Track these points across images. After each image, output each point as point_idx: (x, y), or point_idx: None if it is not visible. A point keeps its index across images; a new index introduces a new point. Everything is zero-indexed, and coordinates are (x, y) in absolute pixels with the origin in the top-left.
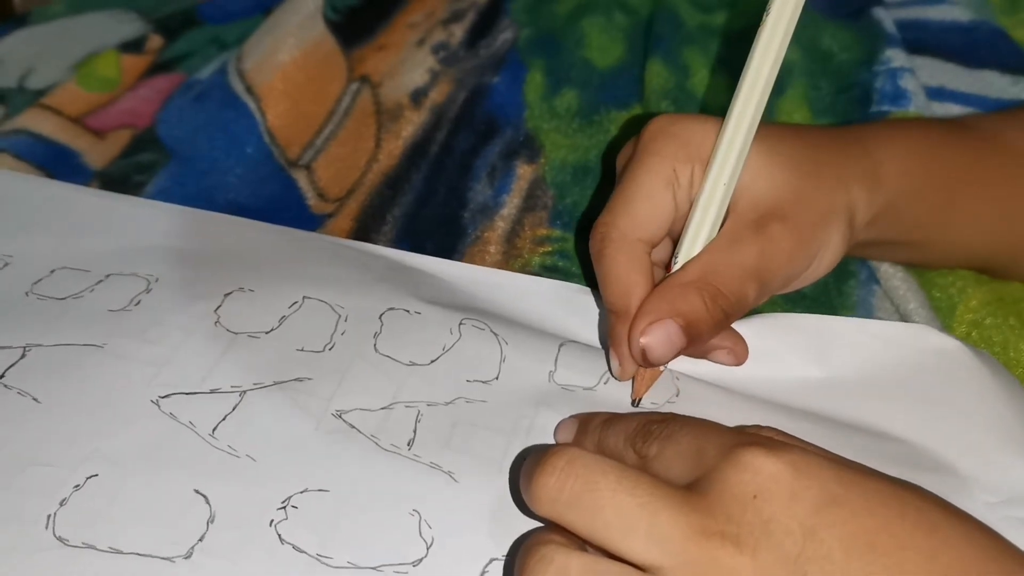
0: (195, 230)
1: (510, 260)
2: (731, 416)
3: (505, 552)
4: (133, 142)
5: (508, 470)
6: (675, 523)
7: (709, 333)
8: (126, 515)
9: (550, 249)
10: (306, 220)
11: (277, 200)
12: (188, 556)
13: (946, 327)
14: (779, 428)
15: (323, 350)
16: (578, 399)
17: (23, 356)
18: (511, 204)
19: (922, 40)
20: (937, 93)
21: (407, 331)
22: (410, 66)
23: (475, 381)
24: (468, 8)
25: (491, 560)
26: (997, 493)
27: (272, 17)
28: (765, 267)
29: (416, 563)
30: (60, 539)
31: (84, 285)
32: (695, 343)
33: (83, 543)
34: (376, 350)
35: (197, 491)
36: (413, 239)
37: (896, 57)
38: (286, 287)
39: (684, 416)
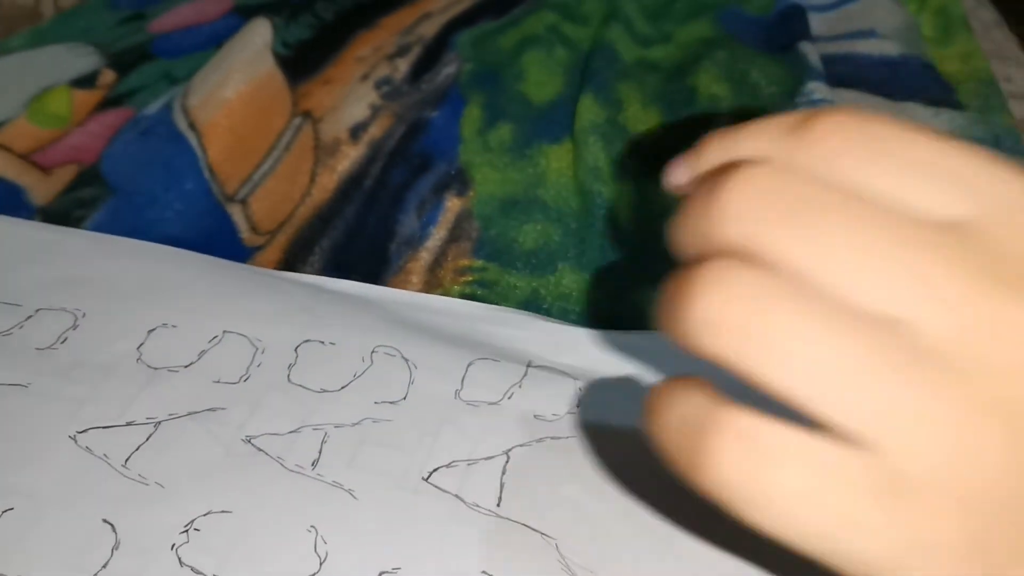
0: (126, 261)
1: (431, 289)
2: (631, 419)
3: (397, 565)
4: (77, 178)
5: (406, 487)
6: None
7: None
8: (37, 546)
9: (470, 279)
10: (238, 252)
11: (211, 234)
12: None
13: None
14: None
15: (238, 381)
16: (482, 413)
17: None
18: (437, 236)
19: (850, 74)
20: None
21: (321, 361)
22: (352, 100)
23: (383, 402)
24: (415, 42)
25: (381, 573)
26: None
27: (221, 52)
28: None
29: None
30: None
31: (14, 321)
32: None
33: None
34: (289, 380)
35: (105, 520)
36: (339, 270)
37: (818, 90)
38: (208, 321)
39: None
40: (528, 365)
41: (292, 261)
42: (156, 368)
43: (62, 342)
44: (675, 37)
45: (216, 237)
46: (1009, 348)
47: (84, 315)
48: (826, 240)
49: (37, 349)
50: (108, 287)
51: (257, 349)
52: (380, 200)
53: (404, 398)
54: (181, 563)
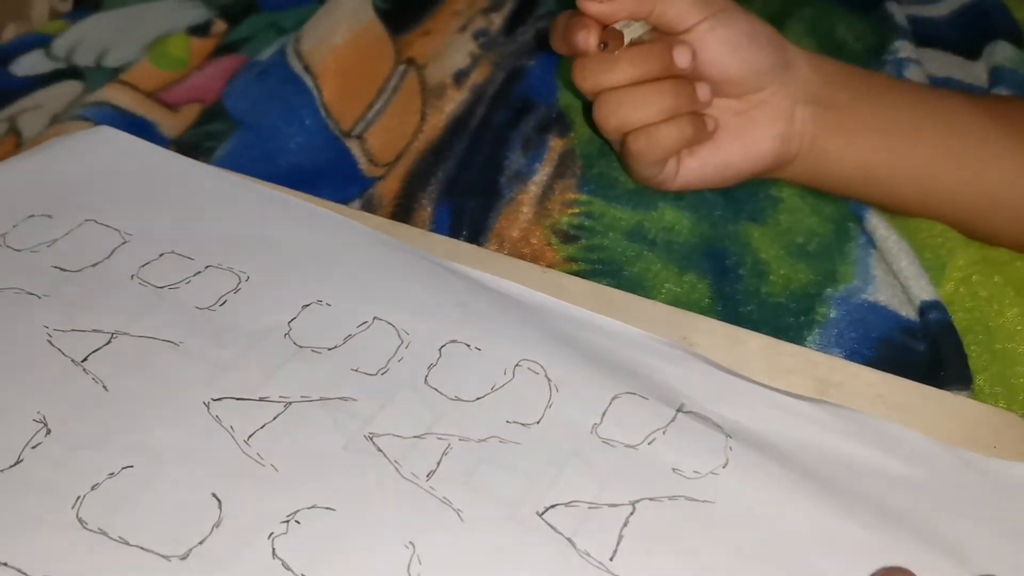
0: (297, 225)
1: (541, 219)
2: (788, 503)
3: None
4: (203, 114)
5: (518, 519)
6: None
7: None
8: (145, 509)
9: (577, 211)
10: (358, 181)
11: (332, 164)
12: (184, 557)
13: (936, 283)
14: (830, 512)
15: (376, 374)
16: (616, 455)
17: (108, 343)
18: (543, 172)
19: (927, 34)
20: (944, 83)
21: (462, 366)
22: (453, 50)
23: (514, 423)
24: None
25: None
26: None
27: (327, 5)
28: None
29: None
30: (80, 520)
31: (184, 275)
32: None
33: (98, 528)
34: (426, 381)
35: (214, 494)
36: (454, 199)
37: (904, 48)
38: (361, 305)
39: None
40: (679, 410)
41: (411, 189)
42: (301, 347)
43: (221, 304)
44: None
45: (337, 167)
46: None
47: (247, 279)
48: None
49: (197, 308)
50: (276, 251)
51: (403, 343)
52: (486, 139)
53: (538, 422)
54: (274, 554)
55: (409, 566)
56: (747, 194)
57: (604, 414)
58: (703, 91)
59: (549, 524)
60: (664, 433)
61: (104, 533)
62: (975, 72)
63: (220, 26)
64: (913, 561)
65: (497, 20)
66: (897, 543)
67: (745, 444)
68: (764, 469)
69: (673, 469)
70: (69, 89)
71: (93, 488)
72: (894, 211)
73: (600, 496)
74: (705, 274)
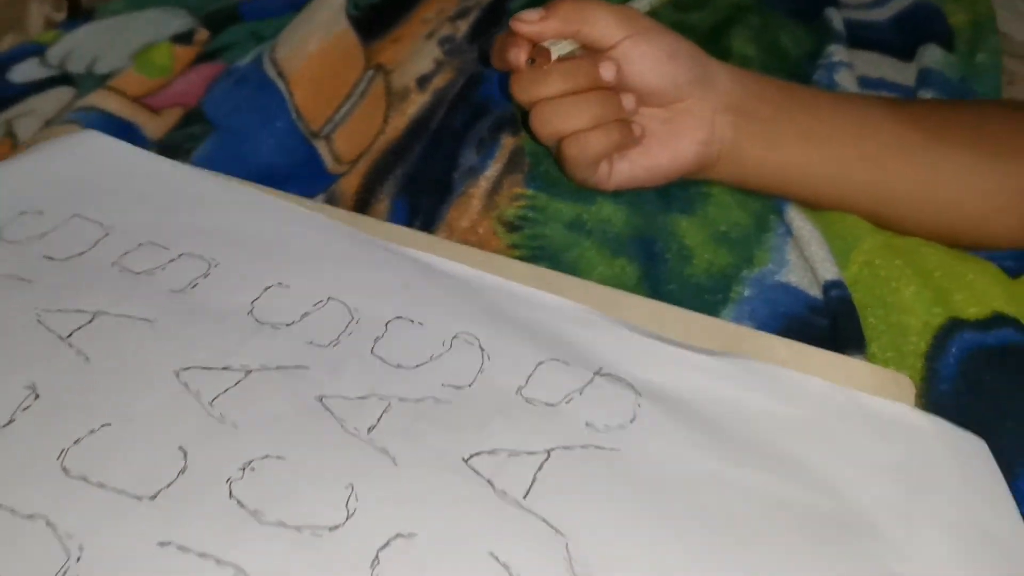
0: (262, 216)
1: (489, 211)
2: (686, 452)
3: (414, 531)
4: (184, 118)
5: (445, 465)
6: None
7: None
8: (120, 459)
9: (523, 204)
10: (323, 178)
11: (302, 163)
12: (153, 497)
13: (842, 266)
14: (733, 462)
15: (327, 345)
16: (537, 412)
17: (90, 321)
18: (494, 168)
19: (868, 37)
20: (877, 83)
21: (405, 339)
22: (419, 56)
23: (449, 385)
24: (473, 7)
25: (398, 534)
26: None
27: (302, 14)
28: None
29: (332, 528)
30: (64, 468)
31: (160, 262)
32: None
33: (80, 475)
34: (372, 352)
35: (180, 447)
36: (411, 194)
37: (837, 52)
38: (317, 286)
39: None
40: (596, 372)
41: (371, 184)
42: (263, 323)
43: (192, 287)
44: (712, 2)
45: (306, 166)
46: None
47: (217, 265)
48: None
49: (171, 291)
50: (243, 239)
51: (353, 319)
52: (444, 138)
53: (470, 385)
54: (231, 495)
55: (348, 502)
56: (680, 190)
57: (529, 377)
58: (628, 101)
59: (473, 468)
60: (581, 393)
61: (84, 479)
62: (906, 73)
63: (203, 34)
64: (798, 497)
65: (463, 27)
66: (783, 479)
67: (653, 400)
68: (668, 421)
69: (587, 424)
70: (62, 95)
71: (75, 443)
72: (812, 207)
73: (520, 446)
74: (634, 259)
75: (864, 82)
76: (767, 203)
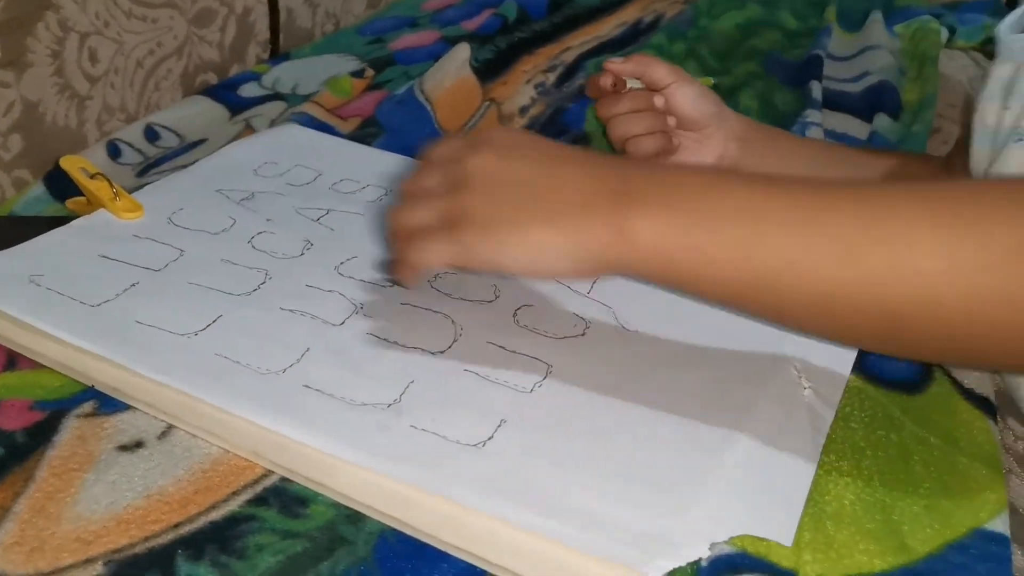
0: (407, 167)
1: None
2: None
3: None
4: (362, 123)
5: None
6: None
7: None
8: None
9: None
10: None
11: None
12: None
13: None
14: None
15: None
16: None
17: (326, 213)
18: None
19: (844, 103)
20: (841, 136)
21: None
22: (520, 95)
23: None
24: (559, 64)
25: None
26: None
27: (439, 62)
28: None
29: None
30: (338, 272)
31: (355, 188)
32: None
33: (349, 275)
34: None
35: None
36: None
37: (811, 115)
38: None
39: None
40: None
41: None
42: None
43: (379, 200)
44: (733, 71)
45: None
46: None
47: (388, 192)
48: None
49: (367, 201)
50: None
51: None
52: None
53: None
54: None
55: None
56: None
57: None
58: (671, 120)
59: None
60: None
61: (352, 278)
62: (863, 131)
63: (370, 72)
64: None
65: (552, 77)
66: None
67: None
68: None
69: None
70: (277, 106)
71: (343, 262)
72: None
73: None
74: None
75: (831, 134)
76: None
